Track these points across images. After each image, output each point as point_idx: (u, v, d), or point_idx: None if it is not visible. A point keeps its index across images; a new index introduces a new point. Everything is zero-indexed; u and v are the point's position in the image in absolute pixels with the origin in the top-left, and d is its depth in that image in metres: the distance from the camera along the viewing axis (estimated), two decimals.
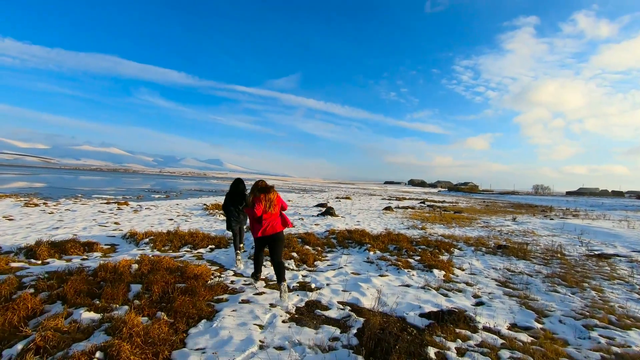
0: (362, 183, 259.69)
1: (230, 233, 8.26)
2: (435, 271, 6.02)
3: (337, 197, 35.82)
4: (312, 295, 4.56)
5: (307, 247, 7.83)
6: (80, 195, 20.43)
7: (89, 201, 16.75)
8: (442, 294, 4.91)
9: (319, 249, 7.86)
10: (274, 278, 5.31)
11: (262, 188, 4.66)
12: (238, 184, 6.29)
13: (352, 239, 8.89)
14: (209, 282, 4.85)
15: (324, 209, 17.06)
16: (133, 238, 7.87)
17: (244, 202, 6.10)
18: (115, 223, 10.38)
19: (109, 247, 7.34)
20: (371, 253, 7.56)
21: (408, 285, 5.29)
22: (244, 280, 5.14)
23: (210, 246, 7.55)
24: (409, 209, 23.02)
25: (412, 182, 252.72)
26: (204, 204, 17.58)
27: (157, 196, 23.71)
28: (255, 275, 4.96)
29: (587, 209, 33.53)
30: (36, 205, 13.75)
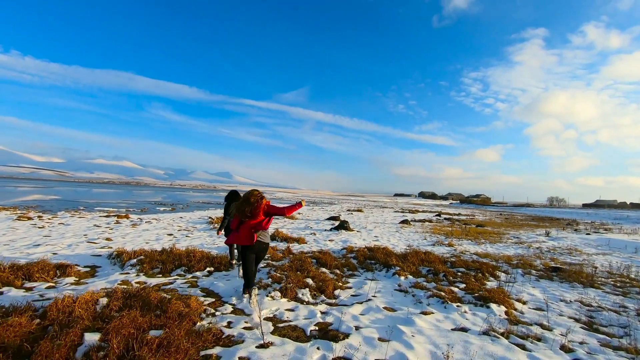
0: (372, 195, 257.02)
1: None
2: (493, 306, 4.63)
3: (348, 210, 34.42)
4: (338, 349, 3.24)
5: (324, 270, 6.52)
6: (82, 208, 19.56)
7: (88, 214, 15.79)
8: (518, 346, 3.53)
9: (338, 272, 6.54)
10: (285, 317, 4.05)
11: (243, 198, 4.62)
12: (232, 195, 6.54)
13: (375, 259, 7.54)
14: (198, 324, 3.61)
15: (337, 223, 15.74)
16: (119, 258, 6.68)
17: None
18: (107, 239, 9.25)
19: (88, 269, 6.16)
20: (402, 278, 6.20)
21: (465, 330, 3.93)
22: (245, 322, 3.86)
23: (208, 268, 6.30)
24: (427, 223, 21.49)
25: (422, 195, 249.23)
26: (209, 217, 16.44)
27: (162, 209, 22.73)
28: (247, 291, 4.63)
29: (613, 222, 31.43)
30: (29, 219, 12.78)
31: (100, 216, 14.73)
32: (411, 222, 20.06)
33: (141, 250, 7.13)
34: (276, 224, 15.27)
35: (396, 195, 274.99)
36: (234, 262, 6.66)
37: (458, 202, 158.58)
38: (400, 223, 19.43)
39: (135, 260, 6.39)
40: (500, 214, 47.25)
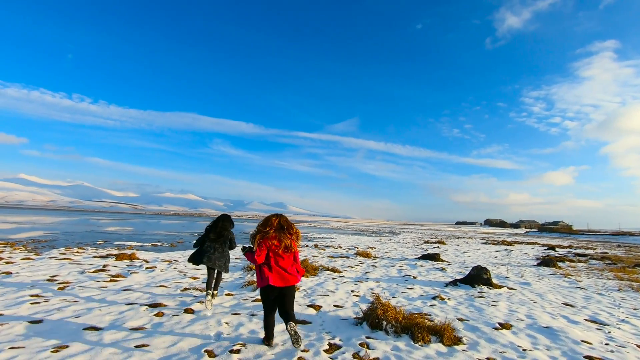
0: (431, 224, 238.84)
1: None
2: None
3: (426, 242, 27.34)
4: None
5: None
6: (100, 242, 15.58)
7: (86, 251, 11.41)
8: None
9: None
10: None
11: (278, 225, 3.68)
12: (220, 219, 5.57)
13: None
14: None
15: (440, 264, 9.35)
16: None
17: (227, 240, 5.51)
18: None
19: None
20: None
21: None
22: None
23: None
24: (578, 263, 13.89)
25: (489, 223, 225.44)
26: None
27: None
28: (267, 342, 3.72)
29: None
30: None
31: (93, 256, 10.10)
32: (558, 264, 12.68)
33: None
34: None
35: (458, 223, 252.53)
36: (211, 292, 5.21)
37: (536, 230, 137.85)
38: (536, 264, 12.33)
39: None
40: (617, 245, 36.07)
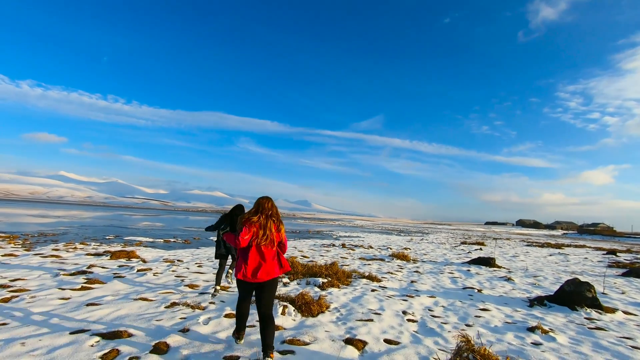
0: (459, 223, 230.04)
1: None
2: None
3: (463, 243, 24.73)
4: None
5: None
6: (110, 237, 14.43)
7: (82, 248, 10.08)
8: None
9: None
10: None
11: (263, 209, 3.12)
12: (236, 208, 5.18)
13: None
14: None
15: (498, 272, 7.18)
16: None
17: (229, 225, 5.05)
18: None
19: None
20: None
21: None
22: None
23: None
24: None
25: (521, 223, 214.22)
26: None
27: (214, 238, 16.79)
28: (237, 334, 3.34)
29: None
30: None
31: (86, 254, 8.66)
32: None
33: None
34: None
35: (488, 223, 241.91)
36: (218, 288, 5.16)
37: (575, 232, 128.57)
38: (624, 275, 9.78)
39: None
40: None
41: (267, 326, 2.94)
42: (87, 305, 4.29)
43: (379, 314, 4.69)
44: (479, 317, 4.87)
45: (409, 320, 4.51)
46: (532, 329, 4.28)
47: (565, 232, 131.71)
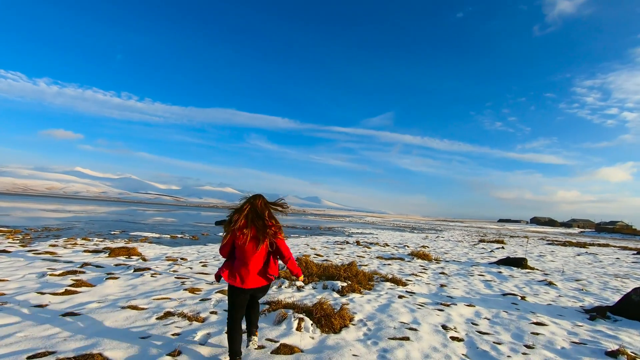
0: (471, 221, 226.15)
1: None
2: None
3: (482, 241, 23.62)
4: None
5: None
6: (114, 232, 13.92)
7: (83, 244, 9.50)
8: None
9: None
10: None
11: (254, 210, 2.68)
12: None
13: None
14: None
15: (534, 274, 6.25)
16: None
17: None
18: None
19: None
20: None
21: None
22: None
23: None
24: None
25: (536, 221, 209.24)
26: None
27: (222, 234, 16.10)
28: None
29: None
30: None
31: (85, 251, 8.05)
32: None
33: None
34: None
35: (501, 221, 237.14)
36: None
37: (592, 230, 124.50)
38: None
39: None
40: None
41: (253, 307, 2.90)
42: (64, 315, 3.56)
43: (415, 329, 3.85)
44: (537, 334, 3.98)
45: (452, 338, 3.66)
46: (612, 354, 3.38)
47: (582, 230, 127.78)
